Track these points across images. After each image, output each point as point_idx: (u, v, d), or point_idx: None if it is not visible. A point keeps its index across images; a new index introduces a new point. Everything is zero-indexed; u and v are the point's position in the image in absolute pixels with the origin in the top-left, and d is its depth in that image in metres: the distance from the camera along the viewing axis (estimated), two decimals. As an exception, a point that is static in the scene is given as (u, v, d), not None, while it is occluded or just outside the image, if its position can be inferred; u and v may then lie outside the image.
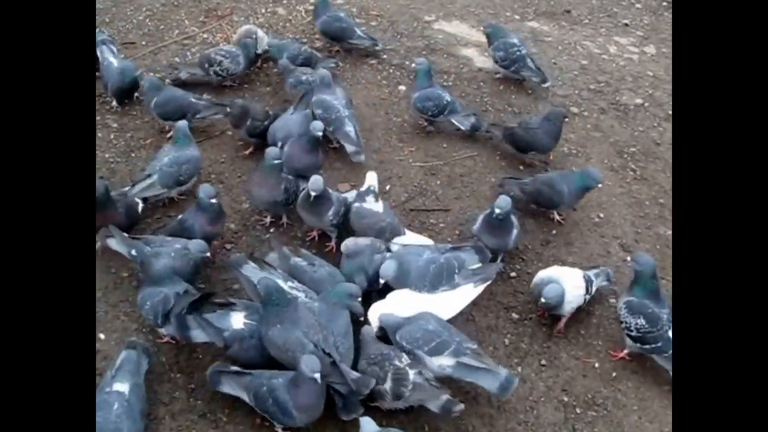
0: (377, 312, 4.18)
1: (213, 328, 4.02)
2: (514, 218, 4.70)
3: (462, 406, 3.83)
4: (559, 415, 4.08)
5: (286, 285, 4.22)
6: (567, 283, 4.31)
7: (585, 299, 4.43)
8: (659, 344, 4.14)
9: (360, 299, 4.14)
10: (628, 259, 4.63)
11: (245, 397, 3.85)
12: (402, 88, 6.35)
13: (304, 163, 5.11)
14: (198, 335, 4.07)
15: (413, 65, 5.84)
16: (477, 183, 5.46)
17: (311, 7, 7.26)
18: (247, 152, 5.67)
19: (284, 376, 3.74)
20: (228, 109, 5.59)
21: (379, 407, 3.92)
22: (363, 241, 4.54)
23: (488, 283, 4.47)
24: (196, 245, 4.40)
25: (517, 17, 7.57)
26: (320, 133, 5.05)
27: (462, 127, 5.81)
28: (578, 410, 4.11)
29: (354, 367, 3.97)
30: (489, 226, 4.67)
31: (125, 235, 4.58)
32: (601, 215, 5.28)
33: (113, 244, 4.56)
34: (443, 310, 4.25)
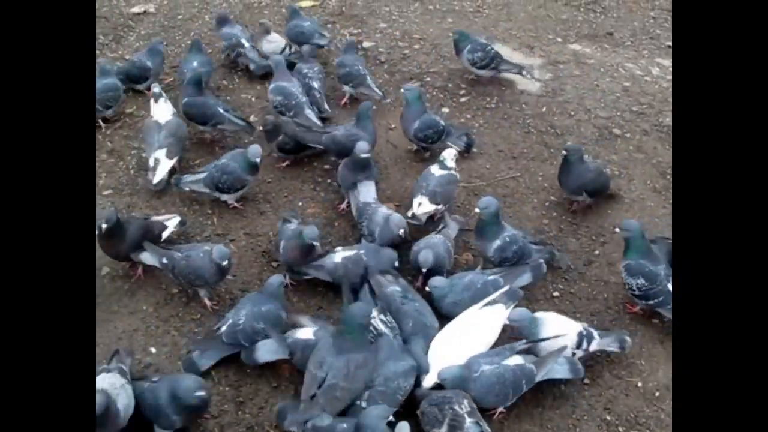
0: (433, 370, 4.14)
1: (278, 335, 4.17)
2: (509, 231, 4.79)
3: None
4: (602, 434, 4.12)
5: (378, 317, 4.31)
6: (547, 326, 4.25)
7: (573, 352, 4.29)
8: (661, 298, 4.48)
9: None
10: (617, 230, 4.69)
11: None
12: (445, 110, 6.44)
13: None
14: (263, 356, 4.20)
15: (401, 90, 5.95)
16: (520, 204, 5.52)
17: (356, 31, 7.42)
18: (283, 165, 5.84)
19: (349, 423, 3.75)
20: (261, 127, 5.75)
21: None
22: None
23: (516, 302, 4.47)
24: (219, 252, 4.47)
25: (559, 40, 7.63)
26: (366, 155, 5.19)
27: (457, 148, 5.82)
28: (621, 429, 4.12)
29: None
30: (476, 228, 4.86)
31: (156, 246, 4.72)
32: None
33: (147, 258, 4.72)
34: (484, 341, 4.28)
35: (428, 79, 6.89)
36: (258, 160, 5.22)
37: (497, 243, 4.72)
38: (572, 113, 6.50)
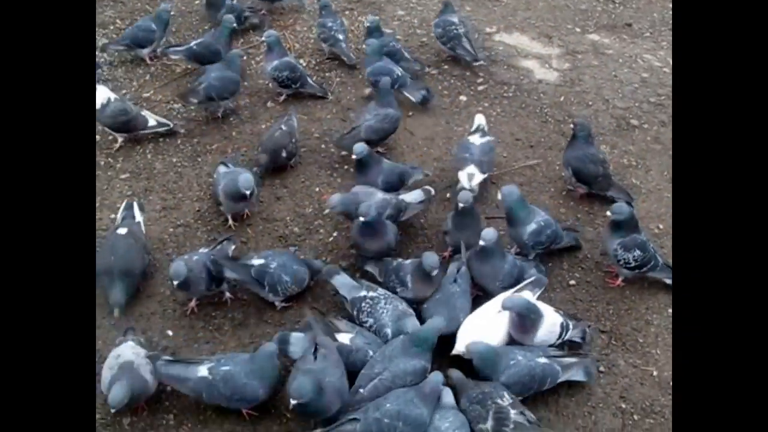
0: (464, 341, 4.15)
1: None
2: (542, 215, 4.79)
3: None
4: (617, 421, 4.11)
5: (368, 292, 4.39)
6: (546, 319, 4.23)
7: (555, 343, 4.30)
8: (652, 263, 4.67)
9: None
10: (608, 213, 4.67)
11: None
12: (463, 98, 6.43)
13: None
14: (295, 351, 4.16)
15: (363, 46, 6.31)
16: (537, 192, 5.51)
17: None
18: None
19: None
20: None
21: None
22: None
23: (543, 288, 4.50)
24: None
25: (578, 30, 7.59)
26: (360, 156, 5.15)
27: (413, 99, 6.14)
28: (636, 417, 4.13)
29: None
30: (507, 217, 4.83)
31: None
32: (661, 226, 5.28)
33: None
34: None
35: (446, 66, 6.87)
36: (247, 192, 4.88)
37: (532, 227, 4.72)
38: (590, 103, 6.48)
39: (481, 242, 4.43)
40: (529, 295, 4.35)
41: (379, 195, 4.90)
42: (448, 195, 5.44)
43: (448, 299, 4.36)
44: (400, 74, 6.16)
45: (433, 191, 5.18)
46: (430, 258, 4.38)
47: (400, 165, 5.37)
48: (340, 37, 6.82)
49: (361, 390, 3.92)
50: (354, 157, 5.12)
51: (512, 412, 3.74)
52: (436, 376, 3.85)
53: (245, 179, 4.87)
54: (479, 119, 5.55)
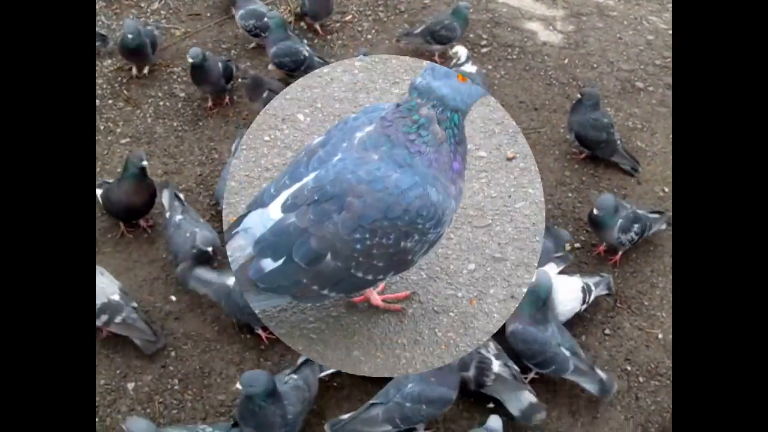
0: None
1: None
2: None
3: (545, 414, 3.83)
4: (622, 383, 4.13)
5: None
6: (560, 292, 4.15)
7: (581, 309, 4.27)
8: (647, 224, 4.66)
9: None
10: (594, 211, 4.55)
11: None
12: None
13: None
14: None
15: (266, 18, 5.94)
16: (541, 155, 5.46)
17: (376, -19, 7.34)
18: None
19: None
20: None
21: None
22: None
23: (565, 265, 4.45)
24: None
25: (582, -9, 7.51)
26: None
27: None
28: (641, 379, 4.15)
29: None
30: None
31: None
32: (666, 189, 5.25)
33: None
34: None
35: (449, 29, 6.80)
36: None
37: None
38: (595, 65, 6.42)
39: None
40: (553, 268, 4.31)
41: None
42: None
43: None
44: (306, 55, 5.84)
45: None
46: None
47: None
48: None
49: None
50: None
51: (496, 363, 3.76)
52: None
53: None
54: (461, 51, 5.73)
